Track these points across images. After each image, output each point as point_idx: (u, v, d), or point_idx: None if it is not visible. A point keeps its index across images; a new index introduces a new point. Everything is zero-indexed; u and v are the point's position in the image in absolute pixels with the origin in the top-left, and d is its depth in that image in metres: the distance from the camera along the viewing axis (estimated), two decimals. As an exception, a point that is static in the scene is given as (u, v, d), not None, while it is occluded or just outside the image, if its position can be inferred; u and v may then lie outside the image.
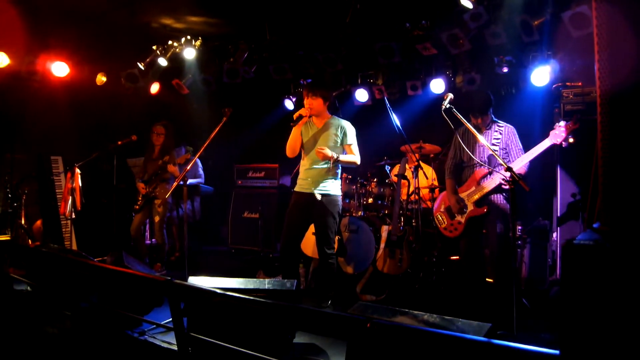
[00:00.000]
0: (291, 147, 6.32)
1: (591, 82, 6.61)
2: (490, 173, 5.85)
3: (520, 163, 5.66)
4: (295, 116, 6.07)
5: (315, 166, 6.22)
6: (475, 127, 5.77)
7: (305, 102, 6.21)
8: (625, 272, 2.08)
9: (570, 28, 6.24)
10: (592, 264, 2.14)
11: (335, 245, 6.67)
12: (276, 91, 10.17)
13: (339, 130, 6.25)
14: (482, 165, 5.73)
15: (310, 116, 6.26)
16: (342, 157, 6.21)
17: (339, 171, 6.41)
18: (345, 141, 6.26)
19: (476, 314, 6.01)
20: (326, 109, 6.34)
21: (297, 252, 6.62)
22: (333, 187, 6.28)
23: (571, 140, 5.52)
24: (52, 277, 5.90)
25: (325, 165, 6.19)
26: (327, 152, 6.03)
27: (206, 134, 6.53)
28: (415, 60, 8.61)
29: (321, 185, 6.21)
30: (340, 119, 6.38)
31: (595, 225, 2.43)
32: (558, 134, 5.50)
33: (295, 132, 6.25)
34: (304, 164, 6.38)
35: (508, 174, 5.04)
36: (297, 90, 10.10)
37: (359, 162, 6.39)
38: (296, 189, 6.40)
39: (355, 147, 6.32)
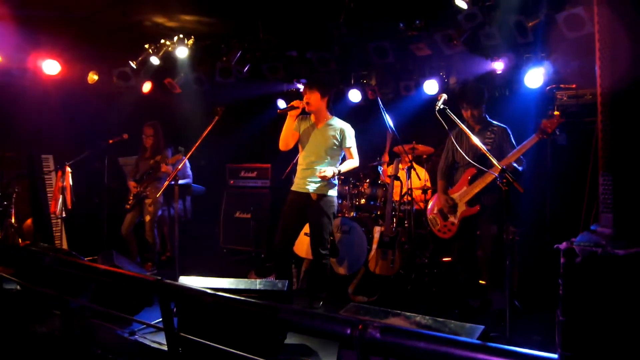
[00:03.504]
0: (284, 140, 6.33)
1: (585, 84, 6.61)
2: (480, 172, 5.83)
3: (508, 161, 5.62)
4: (288, 106, 6.15)
5: (311, 166, 6.21)
6: (468, 127, 5.75)
7: (304, 97, 6.22)
8: (624, 274, 2.06)
9: (565, 29, 6.22)
10: (592, 267, 2.12)
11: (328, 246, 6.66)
12: (269, 90, 10.14)
13: (339, 133, 6.26)
14: (474, 165, 5.71)
15: (309, 113, 6.33)
16: (343, 168, 6.29)
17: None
18: (345, 144, 6.27)
19: (468, 315, 6.00)
20: (326, 108, 6.34)
21: (291, 251, 6.61)
22: (329, 187, 6.28)
23: (558, 133, 5.50)
24: (41, 276, 5.86)
25: (322, 166, 6.18)
26: (327, 173, 6.05)
27: (198, 133, 6.50)
28: (408, 60, 8.59)
29: (317, 185, 6.20)
30: (340, 121, 6.39)
31: (593, 227, 2.40)
32: (545, 128, 5.47)
33: (288, 125, 6.26)
34: (300, 162, 6.40)
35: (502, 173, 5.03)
36: (290, 90, 10.09)
37: (358, 165, 6.43)
38: (293, 188, 6.43)
39: (354, 150, 6.34)
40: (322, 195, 6.20)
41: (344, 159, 6.45)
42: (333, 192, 6.34)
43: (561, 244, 2.22)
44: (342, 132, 6.26)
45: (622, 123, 2.29)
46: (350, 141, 6.31)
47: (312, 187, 6.22)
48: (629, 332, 2.07)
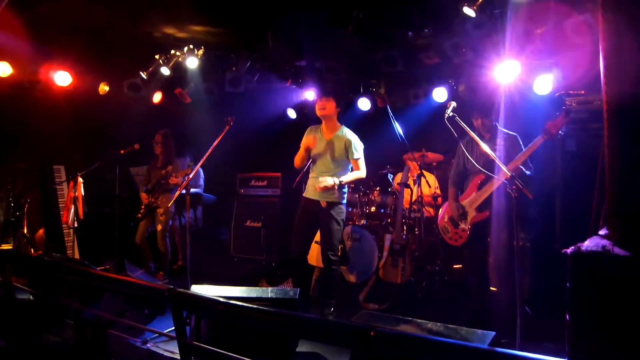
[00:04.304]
0: (299, 159, 6.51)
1: (594, 90, 6.60)
2: (489, 178, 5.83)
3: (516, 164, 5.62)
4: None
5: (320, 175, 6.28)
6: (477, 134, 5.77)
7: (319, 103, 6.36)
8: (634, 278, 2.07)
9: (573, 36, 6.24)
10: (600, 271, 2.13)
11: (339, 254, 6.70)
12: (279, 100, 10.18)
13: (345, 144, 6.32)
14: (484, 172, 5.72)
15: (319, 123, 6.49)
16: (346, 179, 6.32)
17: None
18: (352, 156, 6.33)
19: (479, 322, 6.00)
20: (337, 117, 6.44)
21: (306, 257, 6.65)
22: (338, 195, 6.34)
23: (561, 132, 5.50)
24: (54, 286, 5.90)
25: (332, 174, 6.25)
26: (327, 183, 6.15)
27: (209, 143, 6.54)
28: (417, 68, 8.59)
29: (327, 193, 6.25)
30: (349, 132, 6.46)
31: (601, 232, 2.41)
32: (549, 128, 5.47)
33: (303, 149, 6.42)
34: (313, 172, 6.51)
35: (512, 180, 5.05)
36: (300, 99, 10.14)
37: (364, 176, 6.48)
38: (305, 194, 6.55)
39: (361, 161, 6.39)
40: (331, 203, 6.26)
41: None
42: (342, 199, 6.41)
43: (568, 249, 2.24)
44: (348, 143, 6.32)
45: (628, 129, 2.30)
46: (357, 153, 6.35)
47: (321, 195, 6.28)
48: (632, 333, 2.08)
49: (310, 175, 6.54)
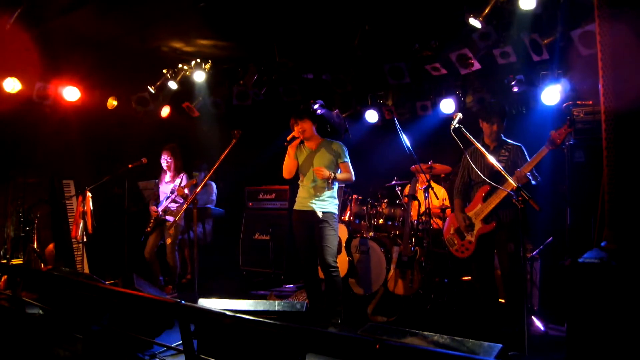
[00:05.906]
0: (287, 169, 6.67)
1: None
2: (494, 189, 5.81)
3: (521, 173, 5.60)
4: (289, 138, 6.48)
5: (314, 185, 6.51)
6: (483, 145, 5.76)
7: (296, 129, 6.51)
8: (632, 289, 2.06)
9: (580, 46, 6.23)
10: (598, 283, 2.12)
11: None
12: (286, 113, 10.19)
13: (333, 150, 6.56)
14: (488, 182, 5.71)
15: (302, 140, 6.64)
16: (339, 175, 6.53)
17: (335, 188, 6.66)
18: (341, 159, 6.57)
19: (487, 334, 5.97)
20: (315, 132, 6.64)
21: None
22: (331, 204, 6.54)
23: (567, 143, 5.48)
24: (64, 301, 5.91)
25: (324, 184, 6.33)
26: (324, 171, 6.34)
27: (217, 156, 6.57)
28: (424, 80, 8.61)
29: (320, 202, 6.48)
30: (332, 140, 6.74)
31: (602, 244, 2.40)
32: (554, 139, 5.46)
33: (290, 154, 6.60)
34: (303, 184, 6.66)
35: (517, 191, 5.04)
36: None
37: (353, 179, 6.66)
38: (296, 207, 6.70)
39: (349, 165, 6.57)
40: (325, 212, 6.45)
41: None
42: (334, 210, 6.59)
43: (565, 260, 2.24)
44: (336, 149, 6.58)
45: (626, 143, 2.29)
46: (345, 157, 6.60)
47: (316, 205, 6.45)
48: (630, 342, 2.07)
49: (301, 188, 6.69)
